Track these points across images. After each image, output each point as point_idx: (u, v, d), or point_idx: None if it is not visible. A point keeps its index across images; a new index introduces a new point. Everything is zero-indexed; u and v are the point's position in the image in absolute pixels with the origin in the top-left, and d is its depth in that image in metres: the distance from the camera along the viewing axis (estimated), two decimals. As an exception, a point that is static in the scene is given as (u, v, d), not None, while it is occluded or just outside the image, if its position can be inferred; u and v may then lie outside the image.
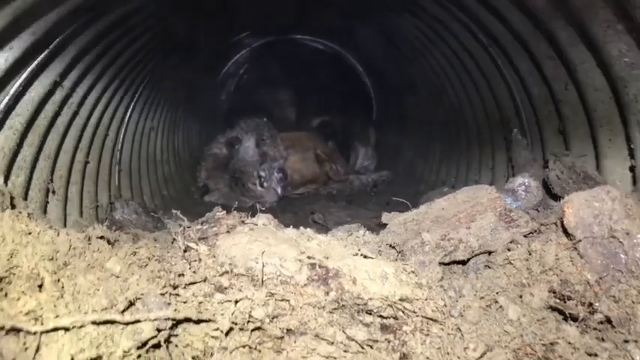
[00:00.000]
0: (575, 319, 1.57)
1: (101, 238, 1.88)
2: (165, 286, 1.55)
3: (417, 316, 1.53)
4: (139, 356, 1.39)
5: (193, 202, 5.83)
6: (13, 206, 1.90)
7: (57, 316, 1.37)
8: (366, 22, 5.85)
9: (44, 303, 1.43)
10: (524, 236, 1.94)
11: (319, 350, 1.47)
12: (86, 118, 3.40)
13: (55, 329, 1.31)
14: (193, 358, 1.46)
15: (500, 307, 1.63)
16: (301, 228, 1.97)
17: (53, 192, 3.01)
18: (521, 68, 3.29)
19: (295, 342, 1.49)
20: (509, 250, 1.87)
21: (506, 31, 3.23)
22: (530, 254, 1.77)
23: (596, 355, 1.47)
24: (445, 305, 1.60)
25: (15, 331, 1.27)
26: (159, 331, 1.41)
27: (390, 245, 2.00)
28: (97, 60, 3.28)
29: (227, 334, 1.47)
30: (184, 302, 1.52)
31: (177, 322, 1.46)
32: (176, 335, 1.48)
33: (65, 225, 3.10)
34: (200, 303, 1.51)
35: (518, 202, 2.53)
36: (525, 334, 1.53)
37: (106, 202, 3.87)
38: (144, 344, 1.39)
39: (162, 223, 3.88)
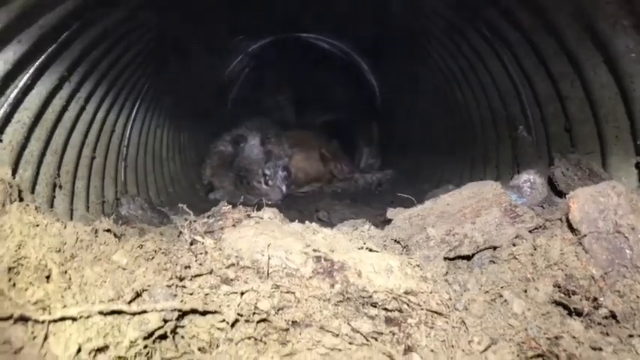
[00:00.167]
0: (579, 313, 1.57)
1: (108, 231, 1.89)
2: (171, 278, 1.56)
3: (422, 309, 1.54)
4: (146, 346, 1.40)
5: (198, 200, 5.85)
6: (20, 199, 1.91)
7: (64, 306, 1.39)
8: (370, 20, 5.84)
9: (52, 293, 1.44)
10: (530, 231, 1.94)
11: (324, 342, 1.48)
12: (93, 114, 3.42)
13: (63, 319, 1.32)
14: (199, 349, 1.47)
15: (505, 301, 1.63)
16: (307, 222, 1.97)
17: (60, 187, 3.02)
18: (526, 65, 3.29)
19: (300, 334, 1.50)
20: (514, 245, 1.88)
21: (511, 27, 3.23)
22: (535, 249, 1.78)
23: (600, 349, 1.47)
24: (450, 299, 1.60)
25: (23, 320, 1.28)
26: (165, 321, 1.43)
27: (395, 240, 2.00)
28: (104, 56, 3.29)
29: (233, 325, 1.48)
30: (190, 294, 1.53)
31: (183, 314, 1.47)
32: (182, 326, 1.49)
33: (71, 219, 3.11)
34: (206, 294, 1.52)
35: (524, 198, 2.53)
36: (530, 328, 1.53)
37: (112, 198, 3.89)
38: (150, 335, 1.40)
39: (168, 219, 3.89)
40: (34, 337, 1.27)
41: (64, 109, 2.96)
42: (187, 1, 4.30)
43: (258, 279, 1.57)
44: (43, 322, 1.29)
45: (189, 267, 1.60)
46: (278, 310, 1.51)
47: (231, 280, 1.58)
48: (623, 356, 1.44)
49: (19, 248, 1.52)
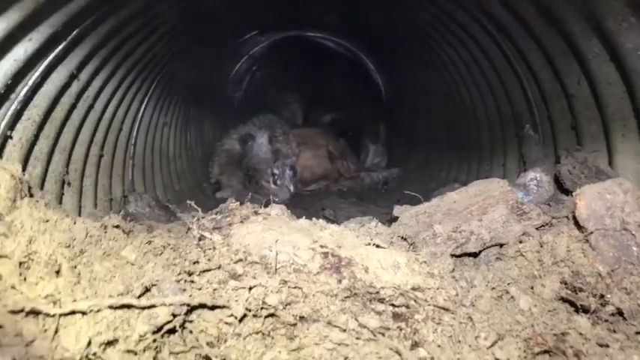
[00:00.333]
0: (586, 310, 1.57)
1: (117, 227, 1.91)
2: (180, 273, 1.57)
3: (429, 305, 1.55)
4: (155, 340, 1.41)
5: (205, 198, 5.87)
6: (30, 195, 1.93)
7: (74, 300, 1.40)
8: (377, 18, 5.84)
9: (62, 288, 1.46)
10: (536, 229, 1.95)
11: (331, 337, 1.49)
12: (101, 112, 3.44)
13: (73, 312, 1.34)
14: (208, 343, 1.48)
15: (512, 297, 1.64)
16: (314, 219, 1.99)
17: (68, 184, 3.05)
18: (533, 63, 3.28)
19: (308, 329, 1.51)
20: (520, 242, 1.88)
21: (518, 25, 3.23)
22: (541, 246, 1.78)
23: (607, 345, 1.47)
24: (457, 295, 1.61)
25: (34, 313, 1.30)
26: (174, 316, 1.44)
27: (402, 237, 2.01)
28: (113, 54, 3.31)
29: (241, 320, 1.49)
30: (199, 289, 1.54)
31: (192, 308, 1.49)
32: (191, 321, 1.50)
33: (80, 216, 3.13)
34: (214, 289, 1.53)
35: (530, 196, 2.53)
36: (536, 324, 1.54)
37: (120, 196, 3.91)
38: (159, 329, 1.42)
39: (175, 216, 3.91)
40: (46, 331, 1.28)
41: (72, 107, 2.98)
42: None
43: (266, 274, 1.58)
44: (53, 315, 1.30)
45: (198, 262, 1.61)
46: (286, 305, 1.52)
47: (240, 275, 1.59)
48: (630, 353, 1.44)
49: (30, 243, 1.54)
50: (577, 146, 2.89)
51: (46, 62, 2.51)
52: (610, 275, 1.63)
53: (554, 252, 1.74)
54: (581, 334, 1.51)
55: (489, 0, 3.33)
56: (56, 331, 1.29)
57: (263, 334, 1.51)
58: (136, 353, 1.37)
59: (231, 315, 1.49)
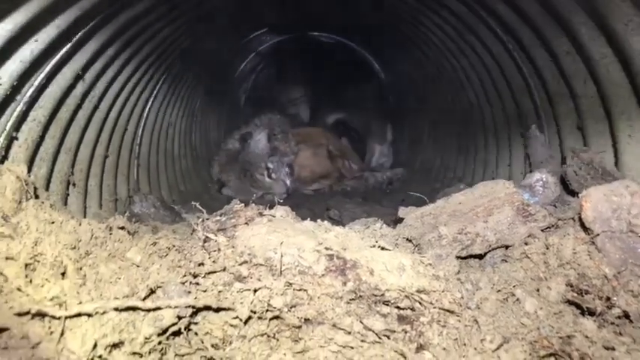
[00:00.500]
0: (592, 313, 1.57)
1: (122, 228, 1.91)
2: (185, 275, 1.58)
3: (434, 307, 1.54)
4: (160, 342, 1.42)
5: (210, 198, 5.88)
6: (36, 197, 1.94)
7: (80, 302, 1.41)
8: (383, 19, 5.84)
9: (67, 290, 1.46)
10: (542, 230, 1.94)
11: (337, 340, 1.49)
12: (106, 112, 3.45)
13: (79, 315, 1.34)
14: (213, 345, 1.49)
15: (517, 300, 1.63)
16: (319, 220, 1.98)
17: (74, 184, 3.06)
18: (539, 63, 3.27)
19: (313, 331, 1.51)
20: (526, 244, 1.87)
21: (524, 25, 3.22)
22: (547, 248, 1.77)
23: (613, 349, 1.47)
24: (462, 297, 1.60)
25: (40, 315, 1.30)
26: (179, 318, 1.44)
27: (407, 238, 2.01)
28: (118, 54, 3.32)
29: (246, 322, 1.50)
30: (204, 291, 1.54)
31: (197, 310, 1.49)
32: (196, 323, 1.50)
33: (85, 217, 3.14)
34: (220, 292, 1.53)
35: (536, 197, 2.52)
36: (542, 327, 1.54)
37: (125, 196, 3.92)
38: (164, 331, 1.42)
39: (180, 217, 3.92)
40: (51, 333, 1.29)
41: (78, 107, 2.99)
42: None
43: (271, 276, 1.58)
44: (59, 317, 1.31)
45: (203, 264, 1.62)
46: (291, 308, 1.52)
47: (245, 277, 1.59)
48: (637, 356, 1.44)
49: (36, 245, 1.55)
50: (583, 147, 2.88)
51: (51, 63, 2.52)
52: (616, 278, 1.62)
53: (560, 254, 1.73)
54: (587, 337, 1.50)
55: (497, 1, 3.32)
56: (62, 334, 1.30)
57: (268, 336, 1.51)
58: (141, 355, 1.37)
59: (236, 317, 1.49)
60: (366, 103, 8.10)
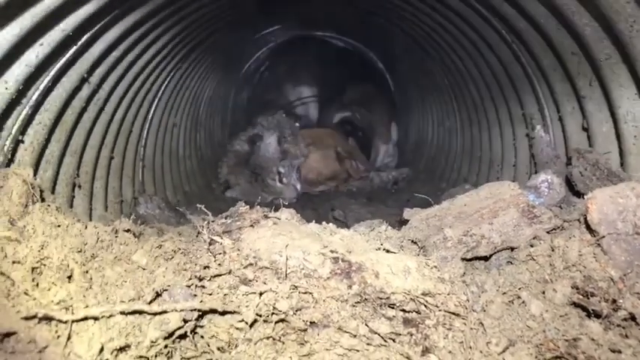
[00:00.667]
0: (598, 315, 1.56)
1: (127, 231, 1.92)
2: (190, 278, 1.58)
3: (440, 310, 1.54)
4: (166, 346, 1.42)
5: (215, 198, 5.89)
6: (42, 200, 1.95)
7: (86, 306, 1.41)
8: (388, 19, 5.83)
9: (74, 293, 1.47)
10: (547, 232, 1.93)
11: (342, 343, 1.49)
12: (111, 115, 3.46)
13: (86, 318, 1.35)
14: (218, 348, 1.49)
15: (523, 302, 1.63)
16: (324, 223, 1.98)
17: (79, 187, 3.07)
18: (544, 64, 3.27)
19: (318, 334, 1.51)
20: (531, 246, 1.87)
21: (529, 26, 3.21)
22: (553, 250, 1.77)
23: (619, 351, 1.46)
24: (467, 300, 1.60)
25: (47, 319, 1.31)
26: (185, 321, 1.45)
27: (412, 241, 2.01)
28: (123, 57, 3.32)
29: (251, 325, 1.50)
30: (210, 294, 1.55)
31: (203, 314, 1.49)
32: (202, 326, 1.51)
33: (90, 219, 3.16)
34: (225, 295, 1.54)
35: (541, 198, 2.51)
36: (548, 330, 1.53)
37: (130, 197, 3.94)
38: (171, 334, 1.43)
39: (185, 218, 3.93)
40: (58, 337, 1.30)
41: (83, 110, 3.00)
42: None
43: (276, 279, 1.59)
44: (66, 321, 1.31)
45: (208, 267, 1.62)
46: (296, 311, 1.52)
47: (250, 280, 1.59)
48: (643, 358, 1.44)
49: (42, 248, 1.55)
50: (588, 147, 2.87)
51: (57, 66, 2.53)
52: (622, 280, 1.61)
53: (566, 256, 1.72)
54: (593, 339, 1.50)
55: (500, 1, 3.31)
56: (69, 338, 1.30)
57: (274, 339, 1.51)
58: (147, 359, 1.38)
59: (242, 320, 1.50)
60: (371, 103, 8.09)
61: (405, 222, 2.16)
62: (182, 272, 1.63)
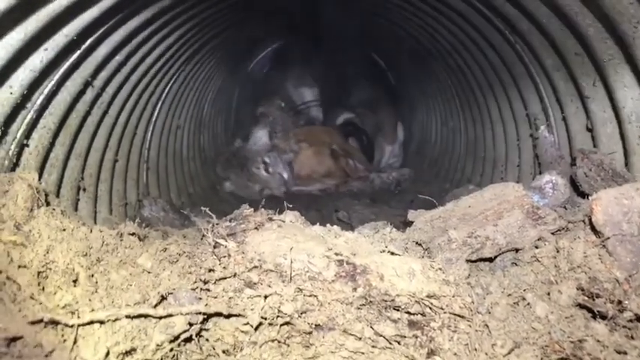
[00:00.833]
0: (604, 316, 1.56)
1: (132, 234, 1.92)
2: (195, 282, 1.59)
3: (445, 312, 1.54)
4: (172, 349, 1.43)
5: (219, 200, 5.91)
6: (47, 203, 1.95)
7: (92, 310, 1.42)
8: (392, 21, 5.84)
9: (79, 297, 1.47)
10: (552, 234, 1.93)
11: (347, 345, 1.49)
12: (115, 118, 3.47)
13: (91, 322, 1.35)
14: (224, 351, 1.49)
15: (528, 304, 1.63)
16: (328, 225, 1.99)
17: (84, 190, 3.08)
18: (547, 64, 3.26)
19: (324, 337, 1.52)
20: (536, 247, 1.87)
21: (533, 27, 3.21)
22: (558, 252, 1.76)
23: (625, 353, 1.46)
24: (472, 302, 1.60)
25: (53, 323, 1.31)
26: (190, 325, 1.45)
27: (417, 242, 2.00)
28: (126, 60, 3.33)
29: (257, 328, 1.50)
30: (215, 297, 1.55)
31: (208, 317, 1.50)
32: (207, 329, 1.51)
33: (95, 222, 3.17)
34: (230, 298, 1.54)
35: (546, 199, 2.51)
36: (553, 332, 1.53)
37: (135, 200, 3.95)
38: (176, 338, 1.43)
39: (189, 220, 3.94)
40: (65, 341, 1.30)
41: (87, 113, 3.01)
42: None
43: (281, 282, 1.59)
44: (72, 325, 1.32)
45: (213, 270, 1.62)
46: (301, 314, 1.53)
47: (255, 283, 1.59)
48: (649, 360, 1.43)
49: (48, 253, 1.56)
50: (593, 147, 2.86)
51: (61, 71, 2.54)
52: (627, 281, 1.61)
53: (571, 257, 1.72)
54: (598, 341, 1.50)
55: (503, 2, 3.31)
56: (75, 342, 1.31)
57: (279, 342, 1.52)
58: (153, 363, 1.38)
59: (247, 323, 1.50)
60: (376, 104, 8.09)
61: (409, 223, 2.16)
62: (187, 275, 1.63)
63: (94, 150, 3.21)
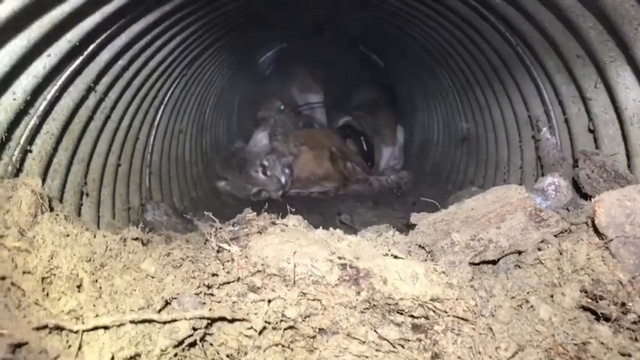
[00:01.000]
0: (607, 318, 1.56)
1: (136, 239, 1.93)
2: (199, 286, 1.59)
3: (448, 315, 1.54)
4: (176, 355, 1.43)
5: (221, 204, 5.91)
6: (51, 208, 1.96)
7: (97, 316, 1.42)
8: (394, 24, 5.84)
9: (84, 303, 1.48)
10: (555, 236, 1.93)
11: (351, 349, 1.50)
12: (118, 122, 3.48)
13: (96, 328, 1.36)
14: (228, 356, 1.50)
15: (532, 306, 1.63)
16: (331, 229, 1.99)
17: (87, 194, 3.09)
18: (549, 66, 3.26)
19: (327, 341, 1.52)
20: (539, 249, 1.87)
21: (534, 29, 3.21)
22: (561, 254, 1.76)
23: (629, 355, 1.46)
24: (476, 305, 1.60)
25: (58, 329, 1.31)
26: (194, 330, 1.45)
27: (420, 246, 2.00)
28: (129, 65, 3.34)
29: (260, 333, 1.50)
30: (219, 302, 1.55)
31: (212, 322, 1.50)
32: (211, 334, 1.52)
33: (98, 227, 3.18)
34: (234, 302, 1.54)
35: (548, 201, 2.51)
36: (557, 334, 1.53)
37: (138, 204, 3.95)
38: (180, 343, 1.43)
39: (192, 224, 3.94)
40: (69, 347, 1.30)
41: (90, 118, 3.02)
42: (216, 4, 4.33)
43: (284, 287, 1.59)
44: (76, 331, 1.32)
45: (217, 275, 1.63)
46: (305, 318, 1.53)
47: (258, 287, 1.60)
48: (653, 362, 1.43)
49: (52, 258, 1.56)
50: (595, 149, 2.86)
51: (64, 77, 2.55)
52: (631, 283, 1.61)
53: (574, 260, 1.72)
54: (602, 343, 1.50)
55: (506, 5, 3.31)
56: (79, 347, 1.31)
57: (283, 346, 1.52)
58: (158, 368, 1.39)
59: (251, 328, 1.50)
60: (375, 106, 8.09)
61: (412, 226, 2.16)
62: (191, 280, 1.63)
63: (96, 155, 3.22)
